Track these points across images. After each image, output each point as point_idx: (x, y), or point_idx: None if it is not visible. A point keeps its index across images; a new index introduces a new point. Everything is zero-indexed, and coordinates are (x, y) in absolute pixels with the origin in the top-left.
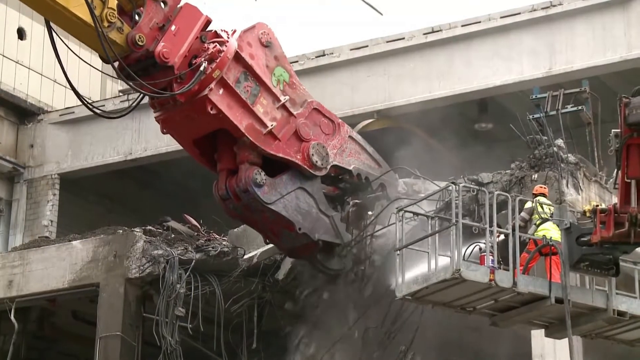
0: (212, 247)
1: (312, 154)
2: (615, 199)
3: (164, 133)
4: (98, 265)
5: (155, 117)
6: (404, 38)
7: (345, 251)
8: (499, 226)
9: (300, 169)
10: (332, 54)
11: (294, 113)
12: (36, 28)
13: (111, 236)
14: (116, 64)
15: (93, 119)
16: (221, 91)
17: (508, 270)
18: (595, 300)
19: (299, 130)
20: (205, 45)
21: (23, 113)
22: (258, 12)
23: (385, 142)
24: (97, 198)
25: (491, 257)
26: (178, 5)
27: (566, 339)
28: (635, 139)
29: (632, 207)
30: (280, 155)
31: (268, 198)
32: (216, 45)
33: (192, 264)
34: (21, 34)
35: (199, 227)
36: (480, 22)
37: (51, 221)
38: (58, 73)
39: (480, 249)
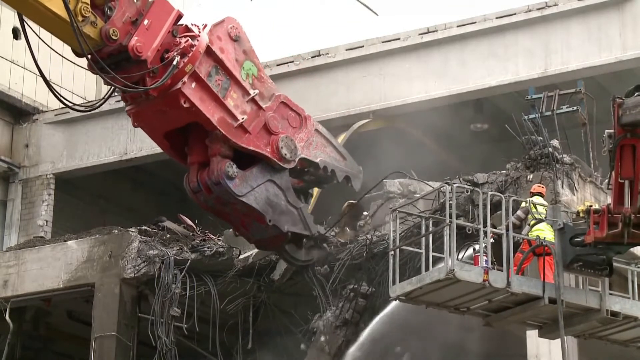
0: (208, 247)
1: (282, 147)
2: (609, 200)
3: (135, 126)
4: (93, 265)
5: (126, 111)
6: (399, 38)
7: (312, 243)
8: (493, 227)
9: (270, 162)
10: (328, 54)
11: (263, 106)
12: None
13: (106, 236)
14: (89, 57)
15: (88, 118)
16: (194, 85)
17: (502, 270)
18: (589, 301)
19: (268, 124)
20: (177, 39)
21: (18, 113)
22: (253, 11)
23: (381, 142)
24: (93, 198)
25: (485, 258)
26: (150, 0)
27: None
28: (629, 139)
29: (626, 208)
30: (252, 148)
31: (239, 190)
32: (188, 40)
33: (188, 264)
34: (16, 33)
35: (194, 227)
36: (475, 22)
37: (46, 221)
38: (53, 73)
39: (474, 249)
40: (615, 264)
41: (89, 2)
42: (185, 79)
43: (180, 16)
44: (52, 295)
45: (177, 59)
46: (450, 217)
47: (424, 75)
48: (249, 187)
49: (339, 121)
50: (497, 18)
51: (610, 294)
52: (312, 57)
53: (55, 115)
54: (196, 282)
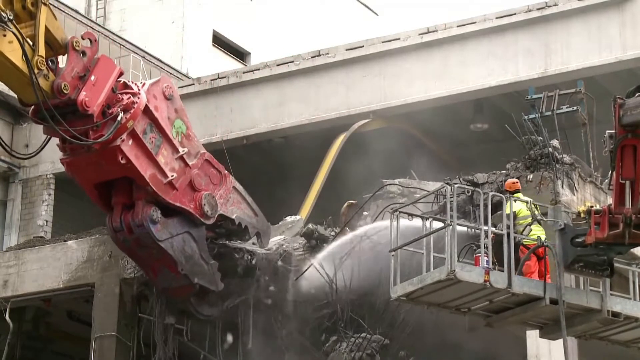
0: None
1: (204, 204)
2: (610, 200)
3: (69, 176)
4: (93, 265)
5: (60, 160)
6: (399, 38)
7: (216, 300)
8: (494, 227)
9: (192, 217)
10: (328, 54)
11: (190, 164)
12: None
13: (106, 236)
14: (32, 107)
15: None
16: (131, 142)
17: (503, 270)
18: (590, 301)
19: (193, 181)
20: (118, 95)
21: (18, 113)
22: (253, 11)
23: (381, 142)
24: None
25: (486, 258)
26: (95, 57)
27: (561, 340)
28: (630, 139)
29: (627, 208)
30: (178, 204)
31: (160, 235)
32: (130, 97)
33: None
34: None
35: None
36: (475, 22)
37: (46, 221)
38: None
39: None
40: (616, 265)
41: (44, 56)
42: (124, 135)
43: (121, 73)
44: (52, 295)
45: (122, 115)
46: (451, 217)
47: (424, 75)
48: (168, 234)
49: (339, 121)
50: (497, 18)
51: (611, 295)
52: (312, 57)
53: None
54: None
